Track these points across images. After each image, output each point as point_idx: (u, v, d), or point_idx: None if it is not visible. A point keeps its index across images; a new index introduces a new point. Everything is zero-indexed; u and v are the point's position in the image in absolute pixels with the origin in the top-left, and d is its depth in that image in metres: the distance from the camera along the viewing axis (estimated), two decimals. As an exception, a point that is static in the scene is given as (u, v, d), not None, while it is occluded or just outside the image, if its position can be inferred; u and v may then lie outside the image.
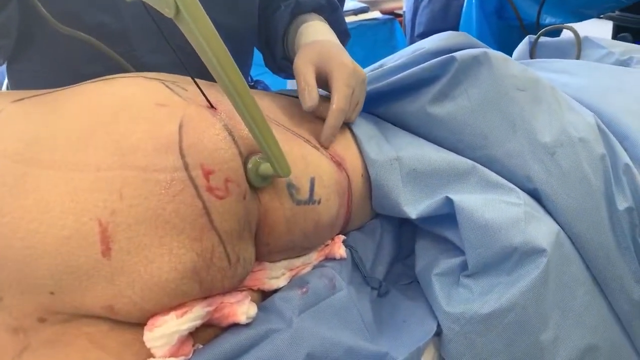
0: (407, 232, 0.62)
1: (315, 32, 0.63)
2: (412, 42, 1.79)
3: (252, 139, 0.40)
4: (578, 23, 1.17)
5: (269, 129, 0.37)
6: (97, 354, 0.36)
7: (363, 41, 2.01)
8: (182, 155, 0.36)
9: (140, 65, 0.54)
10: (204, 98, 0.41)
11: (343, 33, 0.73)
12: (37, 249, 0.33)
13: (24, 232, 0.33)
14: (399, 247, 0.61)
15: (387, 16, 2.06)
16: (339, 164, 0.52)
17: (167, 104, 0.39)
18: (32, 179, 0.34)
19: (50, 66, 0.59)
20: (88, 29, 0.52)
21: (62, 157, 0.35)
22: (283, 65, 0.72)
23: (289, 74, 0.74)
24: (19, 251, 0.33)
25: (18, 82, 0.63)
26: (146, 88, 0.41)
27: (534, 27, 1.25)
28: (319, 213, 0.47)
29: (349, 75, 0.53)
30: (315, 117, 0.56)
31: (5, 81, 0.68)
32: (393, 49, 1.92)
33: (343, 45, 0.73)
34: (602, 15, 1.54)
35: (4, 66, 0.62)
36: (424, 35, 1.67)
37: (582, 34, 0.84)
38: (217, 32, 0.31)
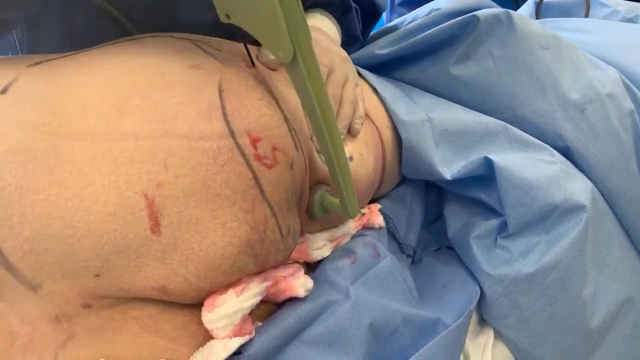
0: (431, 198, 0.61)
1: None
2: (392, 10, 1.75)
3: (295, 104, 0.38)
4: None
5: (349, 171, 0.37)
6: (149, 339, 0.33)
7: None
8: (227, 122, 0.33)
9: None
10: (241, 58, 0.38)
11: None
12: (79, 228, 0.30)
13: (63, 211, 0.29)
14: (426, 214, 0.60)
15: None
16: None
17: (201, 66, 0.35)
18: (65, 151, 0.30)
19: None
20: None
21: (95, 126, 0.31)
22: None
23: None
24: (59, 231, 0.30)
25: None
26: (178, 48, 0.37)
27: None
28: (355, 170, 0.45)
29: (320, 53, 0.43)
30: None
31: None
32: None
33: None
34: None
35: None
36: (405, 3, 1.65)
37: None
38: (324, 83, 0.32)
